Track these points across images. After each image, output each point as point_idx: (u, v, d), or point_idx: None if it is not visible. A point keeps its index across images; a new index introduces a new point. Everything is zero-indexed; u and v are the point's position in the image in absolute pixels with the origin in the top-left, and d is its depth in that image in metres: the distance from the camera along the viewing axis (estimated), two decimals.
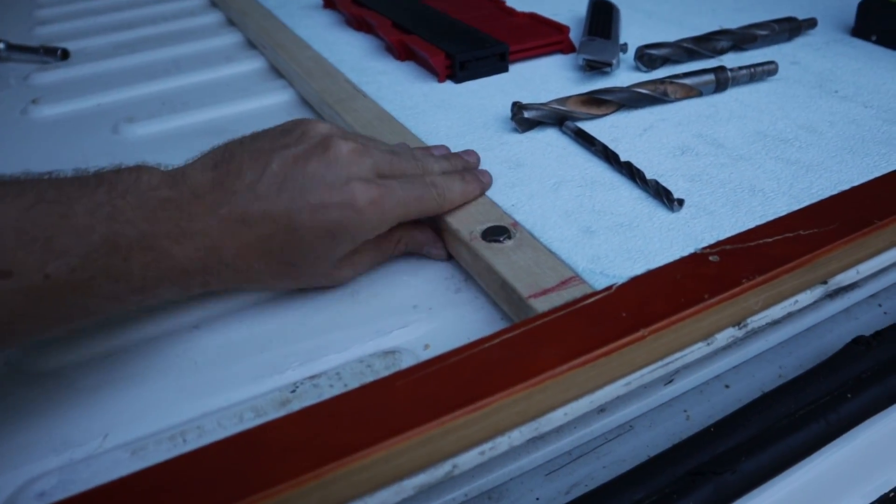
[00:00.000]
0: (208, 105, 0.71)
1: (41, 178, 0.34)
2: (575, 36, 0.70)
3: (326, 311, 0.43)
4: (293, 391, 0.37)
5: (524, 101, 0.59)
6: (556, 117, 0.55)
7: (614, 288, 0.38)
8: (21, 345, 0.40)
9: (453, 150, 0.51)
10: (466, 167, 0.49)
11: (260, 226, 0.38)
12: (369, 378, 0.37)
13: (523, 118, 0.54)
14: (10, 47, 0.86)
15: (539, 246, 0.42)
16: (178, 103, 0.73)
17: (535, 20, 0.73)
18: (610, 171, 0.50)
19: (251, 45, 0.87)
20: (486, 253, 0.42)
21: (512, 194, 0.47)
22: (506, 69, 0.66)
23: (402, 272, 0.46)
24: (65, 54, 0.86)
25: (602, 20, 0.69)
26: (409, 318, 0.42)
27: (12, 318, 0.31)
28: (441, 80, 0.64)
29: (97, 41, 0.93)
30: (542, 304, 0.38)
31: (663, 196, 0.45)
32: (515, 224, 0.44)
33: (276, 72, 0.79)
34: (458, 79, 0.64)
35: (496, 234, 0.43)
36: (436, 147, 0.51)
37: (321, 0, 0.90)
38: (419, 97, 0.62)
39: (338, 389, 0.37)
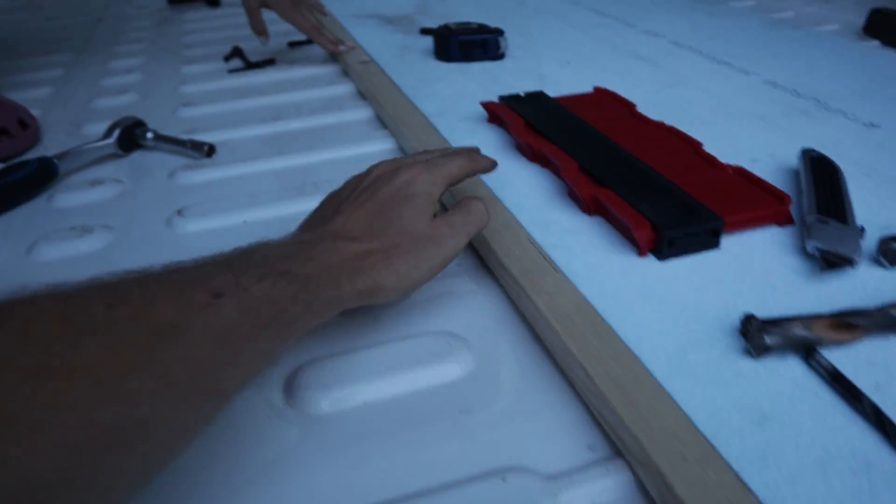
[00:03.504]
0: None
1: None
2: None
3: None
4: None
5: (743, 297, 0.50)
6: (801, 345, 0.45)
7: None
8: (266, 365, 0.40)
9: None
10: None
11: (353, 224, 0.48)
12: None
13: (764, 345, 0.45)
14: (158, 137, 0.82)
15: None
16: None
17: (745, 178, 0.62)
18: (887, 450, 0.39)
19: (405, 151, 0.81)
20: None
21: (764, 471, 0.37)
22: (716, 245, 0.56)
23: None
24: (211, 150, 0.81)
25: (830, 191, 0.59)
26: None
27: (238, 328, 0.37)
28: (642, 255, 0.56)
29: (242, 133, 0.88)
30: None
31: None
32: None
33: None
34: (661, 255, 0.55)
35: None
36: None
37: (486, 112, 0.82)
38: (619, 278, 0.53)
39: None
